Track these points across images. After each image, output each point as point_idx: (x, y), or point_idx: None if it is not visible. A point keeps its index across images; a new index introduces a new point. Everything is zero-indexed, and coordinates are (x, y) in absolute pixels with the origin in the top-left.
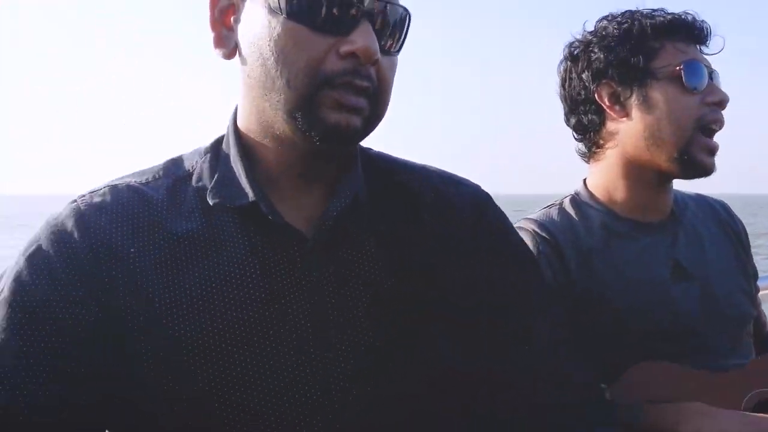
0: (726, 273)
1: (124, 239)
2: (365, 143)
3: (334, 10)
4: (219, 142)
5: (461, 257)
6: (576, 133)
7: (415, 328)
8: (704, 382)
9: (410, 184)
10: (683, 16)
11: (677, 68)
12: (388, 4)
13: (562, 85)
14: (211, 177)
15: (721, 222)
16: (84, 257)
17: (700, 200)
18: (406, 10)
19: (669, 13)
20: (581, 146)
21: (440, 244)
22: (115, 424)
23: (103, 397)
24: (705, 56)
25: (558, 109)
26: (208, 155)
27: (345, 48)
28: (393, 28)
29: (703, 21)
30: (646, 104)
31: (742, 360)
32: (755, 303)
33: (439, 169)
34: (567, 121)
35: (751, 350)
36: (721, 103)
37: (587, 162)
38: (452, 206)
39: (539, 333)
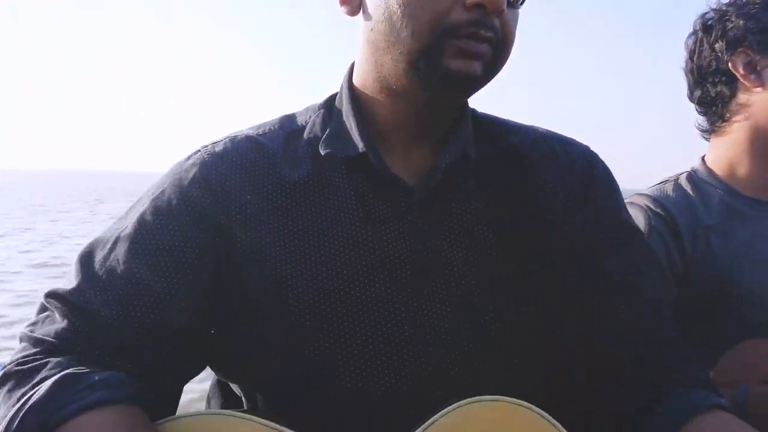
0: None
1: (242, 186)
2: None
3: None
4: (333, 98)
5: (568, 215)
6: (700, 106)
7: (518, 285)
8: None
9: (520, 143)
10: None
11: None
12: None
13: (690, 58)
14: (324, 130)
15: None
16: (205, 204)
17: None
18: None
19: None
20: (703, 121)
21: (547, 203)
22: (219, 364)
23: (211, 337)
24: None
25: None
26: (322, 111)
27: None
28: None
29: None
30: None
31: None
32: None
33: (548, 130)
34: (690, 95)
35: None
36: None
37: (707, 138)
38: (562, 165)
39: (641, 292)
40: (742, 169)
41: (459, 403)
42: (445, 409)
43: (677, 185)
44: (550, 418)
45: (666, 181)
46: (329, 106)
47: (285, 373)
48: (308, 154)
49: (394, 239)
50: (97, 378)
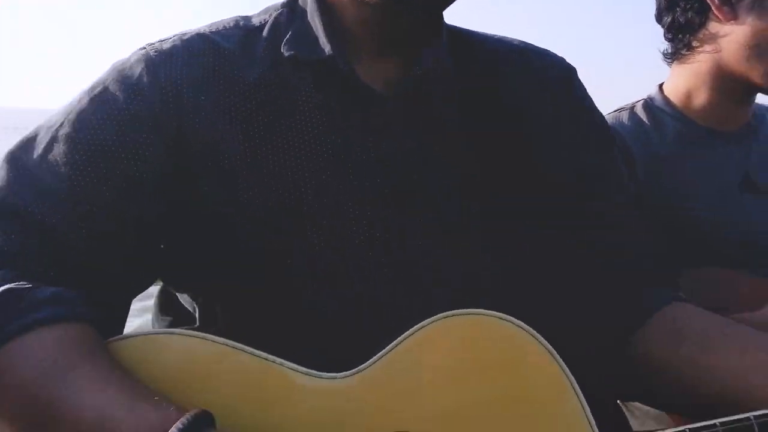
0: None
1: (195, 86)
2: None
3: None
4: None
5: (545, 131)
6: (668, 31)
7: (495, 201)
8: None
9: (495, 55)
10: None
11: None
12: None
13: None
14: (286, 30)
15: None
16: (154, 104)
17: None
18: None
19: None
20: (669, 47)
21: (524, 118)
22: (172, 275)
23: (164, 246)
24: None
25: None
26: (284, 10)
27: None
28: None
29: None
30: (761, 7)
31: None
32: None
33: (522, 41)
34: (659, 17)
35: None
36: None
37: (669, 64)
38: (539, 79)
39: (619, 213)
40: (699, 101)
41: (438, 316)
42: (424, 322)
43: (632, 113)
44: (536, 333)
45: (622, 109)
46: (292, 4)
47: (243, 283)
48: (269, 55)
49: (368, 155)
50: (40, 295)
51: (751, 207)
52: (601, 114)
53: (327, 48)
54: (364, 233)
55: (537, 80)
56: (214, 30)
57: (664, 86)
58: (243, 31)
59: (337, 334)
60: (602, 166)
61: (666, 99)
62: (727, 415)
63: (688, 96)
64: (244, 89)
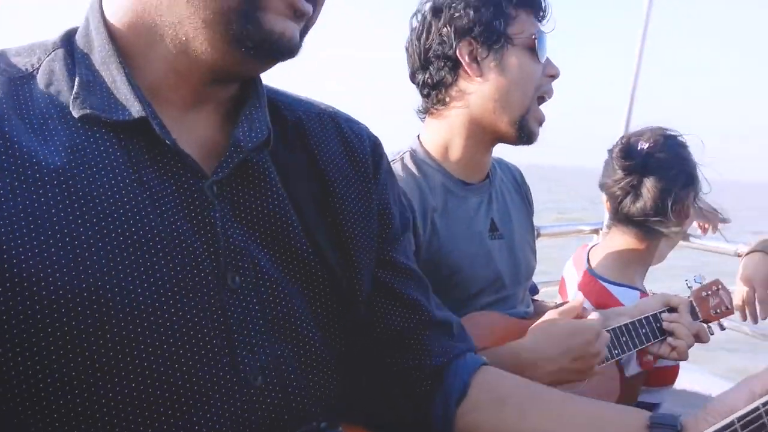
0: (522, 233)
1: None
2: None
3: None
4: (72, 34)
5: (348, 194)
6: (422, 89)
7: (314, 273)
8: (514, 327)
9: (306, 119)
10: None
11: (532, 37)
12: None
13: (417, 39)
14: (70, 80)
15: (518, 185)
16: None
17: (502, 164)
18: None
19: None
20: (423, 102)
21: (340, 186)
22: None
23: None
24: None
25: None
26: (59, 51)
27: None
28: None
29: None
30: (501, 67)
31: (528, 308)
32: (536, 258)
33: (328, 105)
34: (413, 76)
35: (529, 298)
36: (556, 76)
37: (423, 119)
38: (347, 145)
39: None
40: (455, 152)
41: None
42: None
43: (404, 165)
44: None
45: (394, 161)
46: (67, 45)
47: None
48: (52, 112)
49: (187, 230)
50: None
51: (495, 250)
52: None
53: (136, 108)
54: (181, 321)
55: (345, 145)
56: None
57: (422, 139)
58: (6, 77)
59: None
60: (394, 232)
61: (426, 152)
62: None
63: (445, 148)
64: (26, 161)
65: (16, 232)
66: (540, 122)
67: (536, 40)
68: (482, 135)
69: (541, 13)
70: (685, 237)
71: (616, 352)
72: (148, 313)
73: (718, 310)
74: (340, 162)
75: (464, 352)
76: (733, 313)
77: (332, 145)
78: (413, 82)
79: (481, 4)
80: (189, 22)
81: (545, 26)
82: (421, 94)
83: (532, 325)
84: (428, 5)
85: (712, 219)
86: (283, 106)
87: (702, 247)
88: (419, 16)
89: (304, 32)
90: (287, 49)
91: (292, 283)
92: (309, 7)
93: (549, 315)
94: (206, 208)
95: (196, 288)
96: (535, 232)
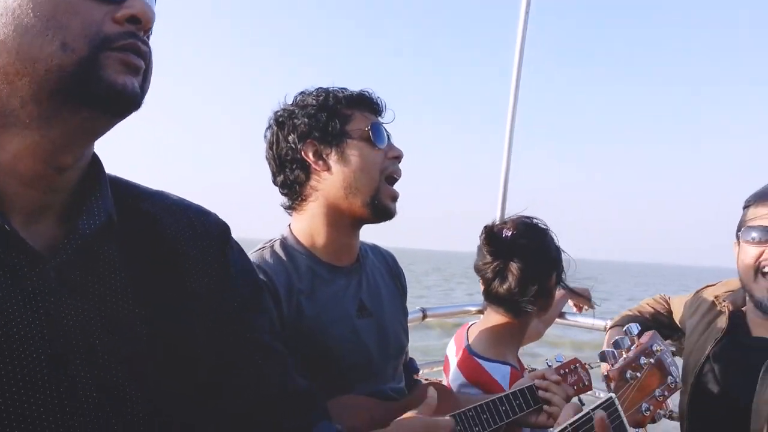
0: (393, 312)
1: None
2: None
3: None
4: None
5: (210, 287)
6: (283, 188)
7: (166, 370)
8: (380, 411)
9: (154, 210)
10: (366, 92)
11: (366, 129)
12: None
13: (270, 148)
14: None
15: (390, 269)
16: None
17: (375, 249)
18: None
19: (355, 90)
20: (286, 200)
21: (189, 276)
22: None
23: None
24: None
25: None
26: None
27: (123, 12)
28: None
29: (379, 97)
30: (344, 159)
31: (399, 383)
32: (407, 337)
33: (179, 197)
34: (274, 179)
35: (402, 375)
36: (399, 157)
37: (290, 214)
38: (198, 233)
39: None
40: (321, 239)
41: None
42: None
43: (273, 251)
44: None
45: (263, 248)
46: None
47: None
48: None
49: (21, 320)
50: None
51: (363, 328)
52: (250, 262)
53: None
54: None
55: (196, 234)
56: None
57: (291, 228)
58: None
59: None
60: (246, 308)
61: (296, 239)
62: None
63: (312, 236)
64: None
65: None
66: (394, 199)
67: (370, 132)
68: (342, 219)
69: (376, 107)
70: (561, 315)
71: (477, 429)
72: None
73: (575, 387)
74: (190, 247)
75: (319, 420)
76: (591, 389)
77: (182, 232)
78: (275, 185)
79: (317, 110)
80: (33, 95)
81: (384, 117)
82: (282, 194)
83: (396, 419)
84: (273, 119)
85: (584, 298)
86: (135, 194)
87: (576, 324)
88: (270, 130)
89: (144, 89)
90: (133, 100)
91: (123, 359)
92: (141, 63)
93: (411, 412)
94: (45, 299)
95: (31, 374)
96: (423, 315)
